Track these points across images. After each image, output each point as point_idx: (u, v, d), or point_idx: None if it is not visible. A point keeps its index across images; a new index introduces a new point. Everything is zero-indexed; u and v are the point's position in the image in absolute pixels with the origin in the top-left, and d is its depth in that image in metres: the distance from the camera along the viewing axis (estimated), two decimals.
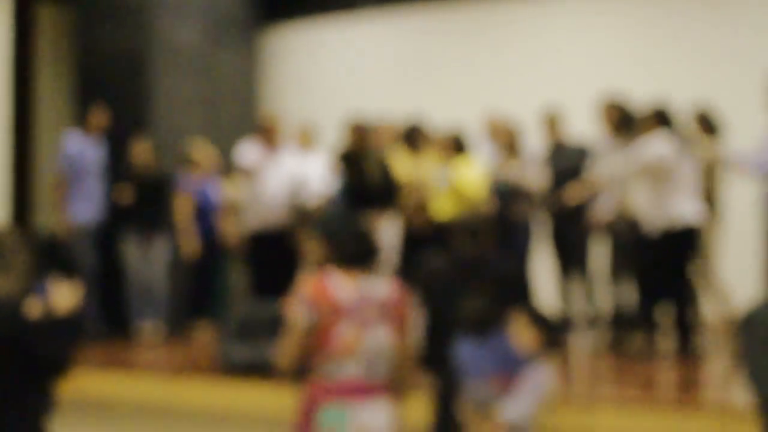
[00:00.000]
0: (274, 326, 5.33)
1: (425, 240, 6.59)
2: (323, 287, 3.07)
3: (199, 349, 6.80)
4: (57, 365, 3.10)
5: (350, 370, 3.08)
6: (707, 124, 6.24)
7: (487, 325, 3.81)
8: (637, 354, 5.90)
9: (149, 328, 7.25)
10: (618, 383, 5.33)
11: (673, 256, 5.56)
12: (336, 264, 3.14)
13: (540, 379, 3.71)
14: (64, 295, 3.16)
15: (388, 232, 6.20)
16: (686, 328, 5.62)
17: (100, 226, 7.17)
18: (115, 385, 5.68)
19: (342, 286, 3.09)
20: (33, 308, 3.12)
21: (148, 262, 7.34)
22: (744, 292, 6.23)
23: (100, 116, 7.21)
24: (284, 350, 3.11)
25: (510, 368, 3.69)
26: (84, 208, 7.04)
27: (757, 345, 2.47)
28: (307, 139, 7.56)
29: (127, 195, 7.22)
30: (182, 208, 7.31)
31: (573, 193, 6.28)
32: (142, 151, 7.35)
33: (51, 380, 3.13)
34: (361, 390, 3.09)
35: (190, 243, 7.24)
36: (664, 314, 5.74)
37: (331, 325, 3.04)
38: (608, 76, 7.89)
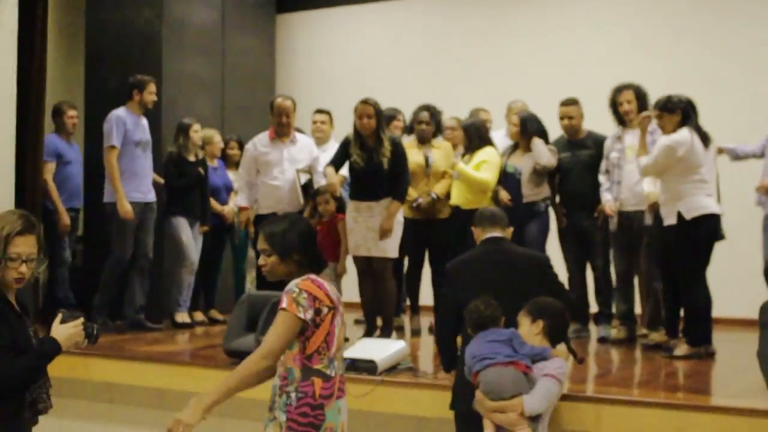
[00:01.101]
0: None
1: (434, 227, 6.63)
2: (322, 286, 3.14)
3: (206, 338, 6.74)
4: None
5: (340, 367, 3.21)
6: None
7: (488, 323, 3.88)
8: (654, 348, 5.82)
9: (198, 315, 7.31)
10: (629, 379, 5.25)
11: (698, 245, 5.46)
12: (310, 270, 3.22)
13: (554, 369, 3.76)
14: (65, 333, 3.11)
15: (396, 219, 6.11)
16: (707, 321, 5.56)
17: (153, 207, 7.03)
18: (124, 372, 5.65)
19: (329, 286, 3.19)
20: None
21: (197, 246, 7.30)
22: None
23: (151, 92, 6.99)
24: (276, 345, 3.08)
25: (522, 358, 3.74)
26: (139, 186, 6.88)
27: None
28: (324, 132, 7.48)
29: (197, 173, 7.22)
30: None
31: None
32: (195, 132, 7.26)
33: None
34: (343, 384, 3.24)
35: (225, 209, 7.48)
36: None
37: (331, 324, 3.14)
38: (621, 69, 7.83)
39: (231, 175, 7.64)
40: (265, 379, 3.15)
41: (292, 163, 6.61)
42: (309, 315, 3.06)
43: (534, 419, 3.69)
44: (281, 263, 3.21)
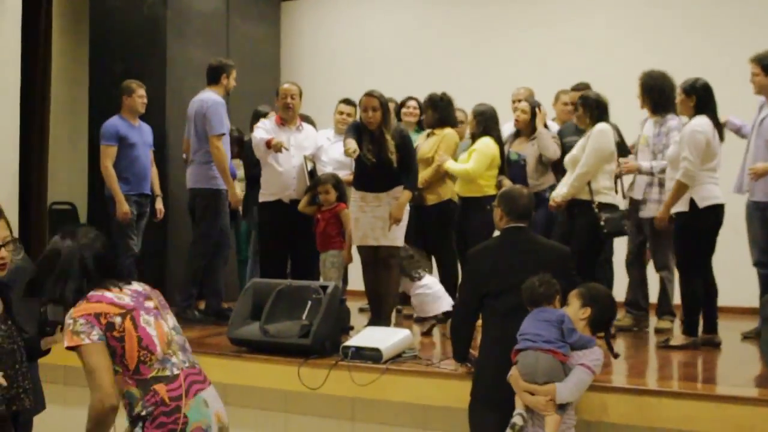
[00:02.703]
0: (280, 306, 5.31)
1: (422, 214, 6.63)
2: (103, 297, 2.97)
3: (211, 326, 6.72)
4: None
5: (183, 359, 3.05)
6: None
7: (542, 300, 3.92)
8: (662, 340, 5.80)
9: None
10: (635, 368, 5.24)
11: (705, 234, 5.45)
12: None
13: (591, 361, 3.82)
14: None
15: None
16: (713, 310, 5.56)
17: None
18: None
19: (116, 292, 3.02)
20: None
21: None
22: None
23: (234, 77, 6.81)
24: (100, 380, 2.84)
25: (564, 343, 3.79)
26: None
27: None
28: (348, 121, 7.42)
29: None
30: None
31: None
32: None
33: None
34: (199, 375, 3.09)
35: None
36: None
37: (138, 328, 2.95)
38: (623, 57, 7.82)
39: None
40: (114, 420, 2.90)
41: (299, 150, 6.56)
42: (95, 335, 2.84)
43: (561, 406, 3.75)
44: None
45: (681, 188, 5.40)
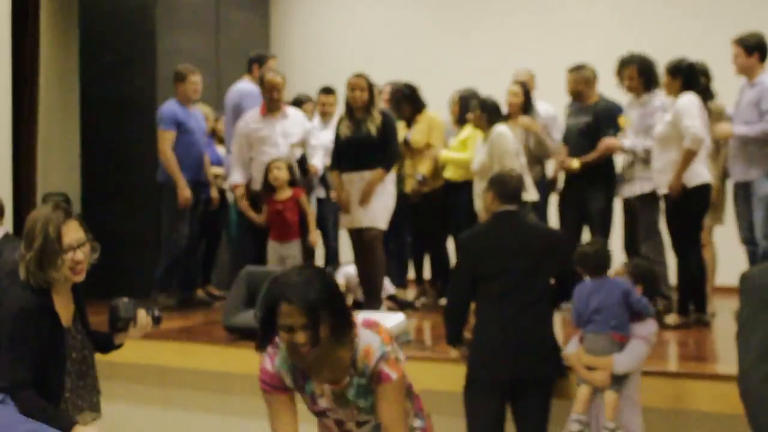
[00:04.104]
0: None
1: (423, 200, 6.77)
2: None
3: (205, 314, 6.73)
4: None
5: None
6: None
7: (601, 269, 4.06)
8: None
9: None
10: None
11: (695, 213, 5.49)
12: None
13: (646, 332, 3.98)
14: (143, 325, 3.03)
15: (386, 189, 6.12)
16: (702, 289, 5.60)
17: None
18: (123, 350, 5.62)
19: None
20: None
21: None
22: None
23: (270, 68, 6.79)
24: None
25: (623, 316, 3.95)
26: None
27: (755, 308, 2.41)
28: (332, 113, 7.44)
29: None
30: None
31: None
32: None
33: None
34: None
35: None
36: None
37: None
38: (616, 38, 7.80)
39: (219, 150, 7.57)
40: None
41: (286, 138, 6.55)
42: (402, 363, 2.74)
43: (618, 381, 3.88)
44: (320, 331, 2.59)
45: (689, 155, 5.36)
